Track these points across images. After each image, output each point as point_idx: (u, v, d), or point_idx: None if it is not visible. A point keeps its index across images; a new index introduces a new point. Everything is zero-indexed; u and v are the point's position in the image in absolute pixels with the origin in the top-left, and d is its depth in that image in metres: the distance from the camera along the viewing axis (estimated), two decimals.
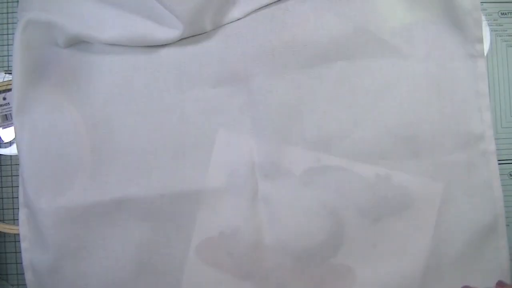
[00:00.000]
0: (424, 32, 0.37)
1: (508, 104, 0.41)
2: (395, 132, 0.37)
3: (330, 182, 0.38)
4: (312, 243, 0.38)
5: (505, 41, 0.41)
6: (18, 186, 0.40)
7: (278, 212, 0.37)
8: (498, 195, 0.37)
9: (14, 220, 0.41)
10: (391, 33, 0.36)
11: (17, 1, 0.40)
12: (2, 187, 0.41)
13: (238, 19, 0.36)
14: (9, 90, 0.40)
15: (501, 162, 0.41)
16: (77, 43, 0.36)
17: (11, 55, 0.40)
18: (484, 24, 0.41)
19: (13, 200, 0.41)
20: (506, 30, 0.41)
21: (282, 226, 0.37)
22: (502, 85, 0.41)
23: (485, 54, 0.41)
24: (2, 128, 0.41)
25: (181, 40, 0.36)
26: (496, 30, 0.41)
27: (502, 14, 0.41)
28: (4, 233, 0.40)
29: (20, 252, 0.38)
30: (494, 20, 0.41)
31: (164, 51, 0.36)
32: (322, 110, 0.37)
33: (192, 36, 0.36)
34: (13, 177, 0.41)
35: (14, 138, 0.41)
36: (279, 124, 0.37)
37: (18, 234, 0.39)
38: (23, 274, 0.38)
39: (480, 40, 0.37)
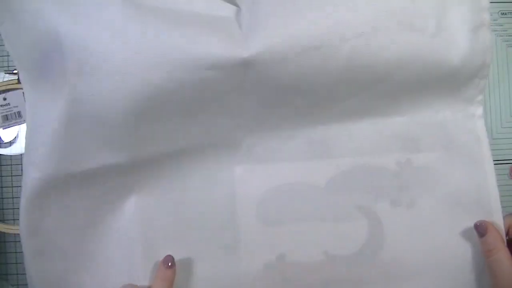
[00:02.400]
0: (434, 8, 0.36)
1: (508, 104, 0.41)
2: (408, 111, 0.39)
3: (356, 183, 0.39)
4: (356, 247, 0.39)
5: (505, 41, 0.41)
6: (18, 186, 0.40)
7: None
8: (486, 158, 0.38)
9: (14, 220, 0.41)
10: (402, 10, 0.35)
11: None
12: (2, 187, 0.41)
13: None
14: (9, 90, 0.40)
15: (501, 162, 0.41)
16: None
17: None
18: None
19: (13, 200, 0.41)
20: (506, 30, 0.41)
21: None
22: (502, 85, 0.41)
23: None
24: (3, 129, 0.41)
25: None
26: (496, 30, 0.41)
27: (502, 14, 0.41)
28: (4, 233, 0.40)
29: (21, 252, 0.38)
30: (494, 20, 0.41)
31: None
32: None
33: None
34: (13, 177, 0.41)
35: (14, 138, 0.41)
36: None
37: (18, 234, 0.39)
38: (23, 274, 0.38)
39: (485, 9, 0.36)
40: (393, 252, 0.39)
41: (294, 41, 0.33)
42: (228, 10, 0.36)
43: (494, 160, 0.41)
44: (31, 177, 0.33)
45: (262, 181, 0.38)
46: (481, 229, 0.36)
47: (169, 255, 0.36)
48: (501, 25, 0.41)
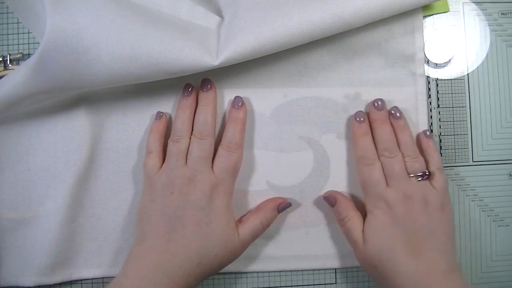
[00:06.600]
0: None
1: (508, 104, 0.41)
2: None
3: (302, 113, 0.40)
4: (300, 178, 0.39)
5: (505, 41, 0.41)
6: None
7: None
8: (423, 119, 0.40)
9: None
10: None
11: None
12: None
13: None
14: None
15: (501, 162, 0.41)
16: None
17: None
18: (484, 24, 0.41)
19: None
20: (506, 30, 0.41)
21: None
22: (502, 85, 0.41)
23: (485, 54, 0.41)
24: None
25: None
26: (496, 30, 0.41)
27: (502, 14, 0.41)
28: None
29: None
30: (494, 20, 0.41)
31: None
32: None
33: None
34: None
35: None
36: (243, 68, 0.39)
37: None
38: None
39: None
40: (339, 186, 0.39)
41: (255, 53, 0.34)
42: (212, 20, 0.37)
43: (494, 160, 0.41)
44: None
45: None
46: (330, 200, 0.38)
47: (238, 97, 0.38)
48: (501, 25, 0.41)
